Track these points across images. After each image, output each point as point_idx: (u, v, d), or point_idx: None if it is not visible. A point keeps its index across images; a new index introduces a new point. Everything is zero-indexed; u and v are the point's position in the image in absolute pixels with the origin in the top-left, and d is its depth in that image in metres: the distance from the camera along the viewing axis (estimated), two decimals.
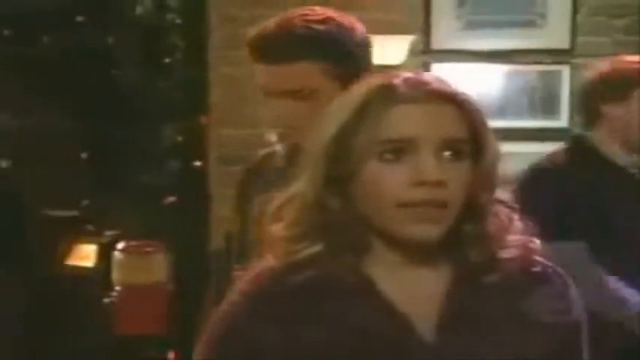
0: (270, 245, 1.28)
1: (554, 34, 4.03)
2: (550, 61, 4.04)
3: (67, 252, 4.94)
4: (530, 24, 4.01)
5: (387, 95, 1.24)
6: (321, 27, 1.80)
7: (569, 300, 1.33)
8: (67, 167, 6.46)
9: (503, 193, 1.32)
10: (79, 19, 6.04)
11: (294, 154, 1.85)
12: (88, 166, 6.02)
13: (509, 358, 1.25)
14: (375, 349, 1.23)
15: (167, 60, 4.33)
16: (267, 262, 1.28)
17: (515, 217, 1.31)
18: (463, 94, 1.27)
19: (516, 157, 3.95)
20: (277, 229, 1.27)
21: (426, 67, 3.97)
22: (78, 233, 5.10)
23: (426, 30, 3.98)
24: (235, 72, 3.78)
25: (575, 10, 4.04)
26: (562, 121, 4.06)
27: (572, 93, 4.02)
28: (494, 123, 4.19)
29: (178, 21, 4.22)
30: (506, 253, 1.29)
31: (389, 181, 1.21)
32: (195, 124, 3.99)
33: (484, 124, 1.27)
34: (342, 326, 1.23)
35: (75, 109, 6.42)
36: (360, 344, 1.23)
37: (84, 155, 6.50)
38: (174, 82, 4.32)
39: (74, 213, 5.30)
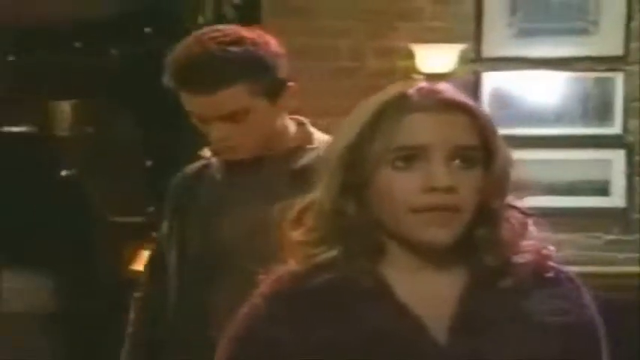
0: (290, 250, 1.33)
1: (608, 41, 4.01)
2: (604, 68, 4.02)
3: (133, 257, 5.07)
4: (583, 31, 4.00)
5: (401, 104, 1.28)
6: (239, 49, 1.81)
7: (583, 305, 1.35)
8: (133, 174, 6.63)
9: (517, 200, 1.35)
10: (146, 30, 6.21)
11: (229, 167, 1.94)
12: (152, 174, 6.18)
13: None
14: (388, 350, 1.27)
15: None
16: (288, 266, 1.33)
17: (529, 222, 1.34)
18: (473, 103, 1.31)
19: (571, 165, 3.98)
20: (297, 234, 1.32)
21: (477, 76, 4.00)
22: (143, 239, 5.22)
23: (477, 38, 3.99)
24: None
25: (629, 17, 4.02)
26: (616, 127, 4.04)
27: (625, 100, 4.00)
28: (548, 131, 4.17)
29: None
30: (519, 258, 1.31)
31: (401, 188, 1.26)
32: None
33: (494, 132, 1.31)
34: (356, 327, 1.28)
35: (140, 118, 6.58)
36: (374, 345, 1.27)
37: (149, 163, 6.66)
38: None
39: (140, 219, 5.44)
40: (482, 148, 1.29)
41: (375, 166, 1.27)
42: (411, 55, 3.89)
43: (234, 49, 1.80)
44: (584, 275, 4.33)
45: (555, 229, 4.07)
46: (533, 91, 4.02)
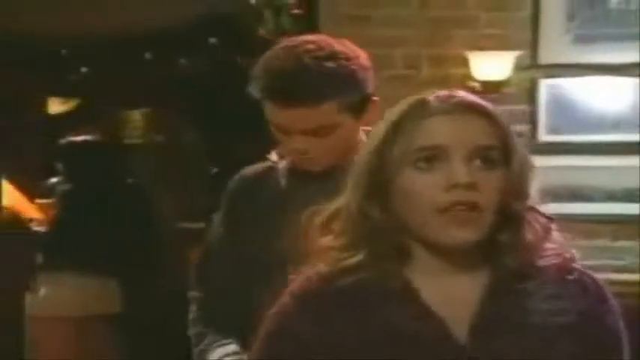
0: (319, 255, 1.38)
1: None
2: None
3: None
4: None
5: (421, 109, 1.34)
6: (334, 64, 1.78)
7: (607, 311, 1.36)
8: (199, 181, 6.74)
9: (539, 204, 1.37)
10: (212, 40, 6.33)
11: (296, 175, 1.90)
12: (218, 180, 6.27)
13: None
14: (411, 351, 1.30)
15: None
16: (317, 268, 1.38)
17: (553, 226, 1.37)
18: (490, 106, 1.35)
19: (629, 171, 3.93)
20: (325, 239, 1.37)
21: (534, 82, 3.99)
22: None
23: (533, 45, 3.98)
24: None
25: None
26: None
27: None
28: (606, 137, 4.12)
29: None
30: (542, 262, 1.34)
31: (423, 187, 1.30)
32: None
33: (511, 135, 1.34)
34: (381, 327, 1.32)
35: (206, 126, 6.69)
36: (397, 345, 1.31)
37: (214, 170, 6.75)
38: None
39: (205, 225, 5.53)
40: (500, 149, 1.32)
41: (397, 168, 1.32)
42: (466, 63, 3.90)
43: (330, 64, 1.78)
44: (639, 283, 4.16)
45: (614, 235, 4.00)
46: (590, 97, 3.99)
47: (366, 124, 1.86)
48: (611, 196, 4.01)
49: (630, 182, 4.00)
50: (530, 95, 4.00)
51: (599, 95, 3.99)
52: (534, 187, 4.23)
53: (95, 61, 6.82)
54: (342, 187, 1.84)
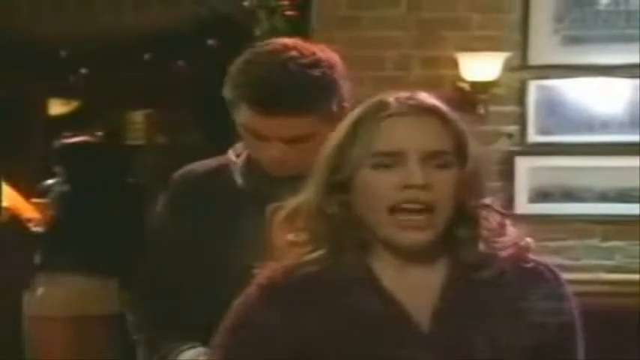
0: (283, 250, 1.43)
1: None
2: None
3: None
4: (630, 38, 3.98)
5: (379, 110, 1.38)
6: (318, 72, 1.75)
7: (562, 295, 1.43)
8: None
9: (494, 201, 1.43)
10: (210, 42, 6.36)
11: (255, 177, 1.84)
12: None
13: (499, 347, 1.36)
14: (373, 334, 1.36)
15: None
16: (281, 261, 1.43)
17: (507, 222, 1.42)
18: (447, 108, 1.40)
19: (619, 171, 3.95)
20: (289, 235, 1.42)
21: (524, 83, 4.02)
22: None
23: (523, 46, 4.01)
24: None
25: None
26: None
27: None
28: (595, 137, 4.14)
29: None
30: (498, 252, 1.40)
31: (380, 186, 1.35)
32: None
33: (466, 135, 1.39)
34: (343, 313, 1.37)
35: (206, 127, 6.72)
36: (359, 330, 1.36)
37: None
38: None
39: None
40: (455, 151, 1.37)
41: (356, 167, 1.37)
42: (456, 64, 3.94)
43: (315, 73, 1.75)
44: (636, 283, 4.25)
45: (605, 235, 4.03)
46: (579, 98, 4.01)
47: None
48: (602, 197, 4.03)
49: (621, 182, 4.02)
50: (520, 96, 4.03)
51: (589, 96, 4.02)
52: (524, 187, 4.24)
53: (94, 62, 6.85)
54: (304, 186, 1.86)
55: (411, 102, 1.38)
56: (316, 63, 1.77)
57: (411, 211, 1.34)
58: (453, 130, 1.38)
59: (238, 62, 1.81)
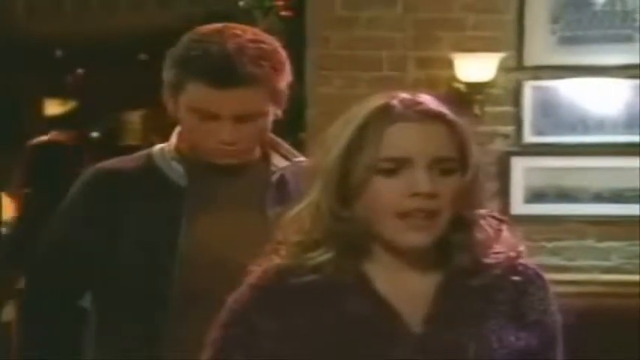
0: (280, 246, 1.43)
1: None
2: None
3: None
4: (626, 39, 3.98)
5: (385, 115, 1.38)
6: (268, 46, 1.79)
7: (548, 300, 1.46)
8: None
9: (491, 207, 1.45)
10: None
11: (193, 171, 1.82)
12: None
13: (490, 350, 1.37)
14: (365, 337, 1.36)
15: None
16: (274, 259, 1.43)
17: (503, 228, 1.44)
18: (452, 114, 1.40)
19: (615, 172, 3.95)
20: (294, 235, 1.41)
21: (519, 84, 4.02)
22: None
23: (518, 46, 4.01)
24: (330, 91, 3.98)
25: None
26: None
27: None
28: (591, 138, 4.14)
29: (281, 43, 4.40)
30: (491, 259, 1.42)
31: (388, 193, 1.36)
32: (295, 140, 4.17)
33: (470, 143, 1.40)
34: (335, 316, 1.37)
35: None
36: (351, 334, 1.36)
37: None
38: None
39: None
40: (459, 157, 1.38)
41: (364, 173, 1.37)
42: (451, 65, 3.94)
43: (262, 46, 1.79)
44: (632, 283, 4.27)
45: (601, 236, 4.03)
46: (575, 98, 4.02)
47: (275, 116, 1.86)
48: (597, 197, 4.04)
49: (617, 183, 4.03)
50: (516, 97, 4.03)
51: (584, 97, 4.02)
52: (520, 187, 4.24)
53: (91, 62, 6.87)
54: (252, 183, 1.84)
55: (417, 108, 1.38)
56: (262, 40, 1.80)
57: (416, 215, 1.36)
58: (458, 137, 1.39)
59: (183, 43, 1.82)
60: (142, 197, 1.83)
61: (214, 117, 1.78)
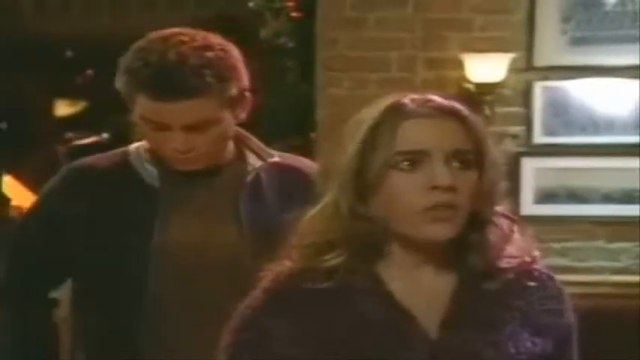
0: (293, 250, 1.41)
1: None
2: None
3: None
4: (637, 39, 3.95)
5: (397, 112, 1.37)
6: (212, 54, 1.74)
7: (563, 303, 1.45)
8: None
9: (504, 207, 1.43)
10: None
11: (168, 175, 1.80)
12: None
13: (507, 356, 1.36)
14: (380, 340, 1.35)
15: (282, 80, 4.55)
16: (287, 263, 1.42)
17: (515, 229, 1.42)
18: (465, 109, 1.39)
19: (626, 172, 3.94)
20: (309, 236, 1.40)
21: (529, 84, 4.01)
22: None
23: (528, 47, 4.00)
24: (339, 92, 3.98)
25: None
26: None
27: None
28: (601, 139, 4.13)
29: (291, 44, 4.41)
30: (506, 262, 1.40)
31: (406, 188, 1.35)
32: (305, 140, 4.17)
33: (485, 138, 1.39)
34: (350, 319, 1.36)
35: None
36: (365, 336, 1.35)
37: None
38: (288, 101, 4.52)
39: None
40: (475, 153, 1.37)
41: (380, 170, 1.36)
42: (461, 65, 3.93)
43: (207, 54, 1.73)
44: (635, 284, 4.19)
45: (611, 237, 4.02)
46: (585, 99, 4.01)
47: (237, 119, 1.82)
48: (607, 198, 4.03)
49: (626, 183, 4.02)
50: (526, 97, 4.03)
51: (595, 97, 4.01)
52: (530, 188, 4.22)
53: (100, 63, 6.87)
54: (227, 184, 1.82)
55: (430, 104, 1.38)
56: (209, 46, 1.75)
57: (437, 209, 1.34)
58: (473, 132, 1.38)
59: (130, 52, 1.79)
60: (117, 196, 1.82)
61: (166, 127, 1.75)
